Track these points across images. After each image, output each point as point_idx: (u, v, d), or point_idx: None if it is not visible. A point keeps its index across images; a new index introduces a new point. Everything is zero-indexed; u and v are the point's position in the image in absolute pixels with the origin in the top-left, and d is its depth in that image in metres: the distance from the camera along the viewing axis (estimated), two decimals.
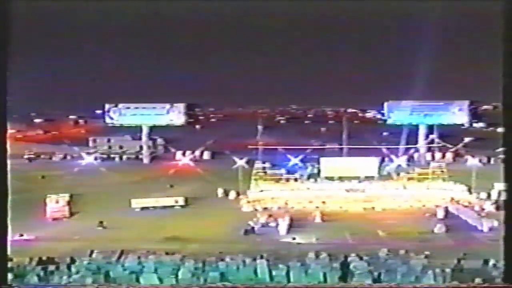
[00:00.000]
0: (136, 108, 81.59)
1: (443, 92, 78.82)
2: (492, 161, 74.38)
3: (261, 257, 34.74)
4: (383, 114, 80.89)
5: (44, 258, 35.56)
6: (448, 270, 32.39)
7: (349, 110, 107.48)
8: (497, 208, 52.04)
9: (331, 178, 60.47)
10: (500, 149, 68.25)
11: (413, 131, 78.27)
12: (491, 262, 33.56)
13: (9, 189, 16.05)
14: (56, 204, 53.08)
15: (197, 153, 79.30)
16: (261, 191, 58.84)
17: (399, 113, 79.48)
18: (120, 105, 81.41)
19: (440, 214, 51.57)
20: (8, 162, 16.24)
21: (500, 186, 55.59)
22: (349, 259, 34.46)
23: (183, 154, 77.57)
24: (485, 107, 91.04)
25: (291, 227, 47.73)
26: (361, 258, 34.80)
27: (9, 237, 16.68)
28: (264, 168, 62.00)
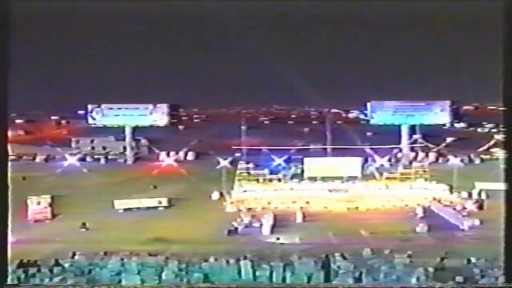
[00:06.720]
0: (119, 108, 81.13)
1: (425, 92, 79.57)
2: (473, 161, 75.31)
3: (245, 258, 34.76)
4: (366, 115, 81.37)
5: (25, 260, 35.19)
6: (430, 269, 32.67)
7: (332, 110, 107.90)
8: (479, 207, 52.67)
9: (314, 178, 60.59)
10: (498, 149, 69.36)
11: (396, 131, 78.91)
12: (472, 260, 33.97)
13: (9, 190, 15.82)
14: (37, 205, 52.37)
15: (181, 153, 79.00)
16: (245, 191, 58.77)
17: (382, 113, 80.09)
18: (103, 106, 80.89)
19: (422, 213, 51.98)
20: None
21: (480, 185, 56.38)
22: (332, 259, 34.62)
23: (167, 154, 77.24)
24: (466, 107, 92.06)
25: (274, 228, 47.77)
26: (344, 258, 35.00)
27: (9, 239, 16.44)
28: (247, 168, 61.91)
